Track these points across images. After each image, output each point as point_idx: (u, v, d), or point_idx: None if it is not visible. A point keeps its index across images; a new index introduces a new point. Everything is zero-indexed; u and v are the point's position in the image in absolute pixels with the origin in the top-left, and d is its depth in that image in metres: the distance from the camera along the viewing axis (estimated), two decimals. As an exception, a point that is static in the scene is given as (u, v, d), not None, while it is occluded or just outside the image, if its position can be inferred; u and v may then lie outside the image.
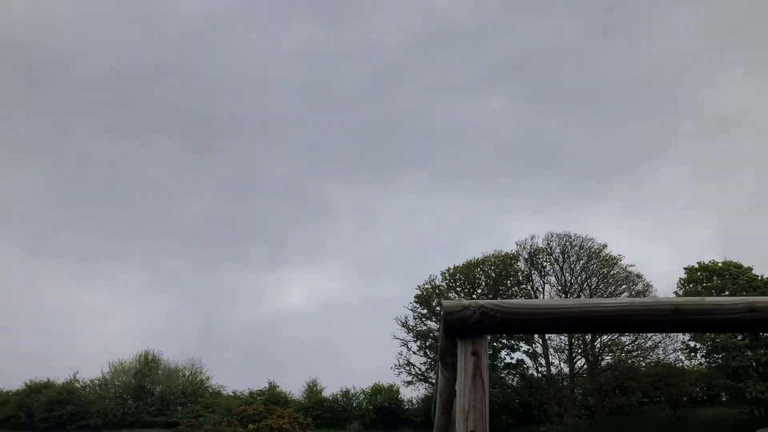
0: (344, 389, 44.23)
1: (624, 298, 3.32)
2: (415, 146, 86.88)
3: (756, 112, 77.79)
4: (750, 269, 39.25)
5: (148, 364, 46.09)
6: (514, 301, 3.43)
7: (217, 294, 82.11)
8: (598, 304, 3.35)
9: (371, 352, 78.83)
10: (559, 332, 3.56)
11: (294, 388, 49.11)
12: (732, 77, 77.70)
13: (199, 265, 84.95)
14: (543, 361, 41.12)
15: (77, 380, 44.49)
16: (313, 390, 45.18)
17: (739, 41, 79.86)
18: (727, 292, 39.18)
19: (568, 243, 42.43)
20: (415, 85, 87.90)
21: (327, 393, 44.80)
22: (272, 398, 42.49)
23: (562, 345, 40.47)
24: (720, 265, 39.69)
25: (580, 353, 40.29)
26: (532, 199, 76.75)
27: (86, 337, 77.10)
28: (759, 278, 39.11)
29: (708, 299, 3.29)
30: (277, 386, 44.96)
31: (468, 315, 3.39)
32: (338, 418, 42.73)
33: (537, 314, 3.37)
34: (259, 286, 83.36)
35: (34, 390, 42.73)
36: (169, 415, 42.15)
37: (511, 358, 43.21)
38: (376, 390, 44.04)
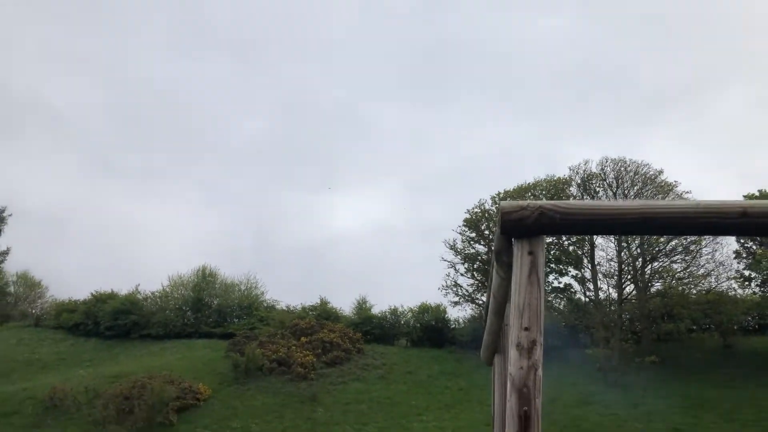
0: (392, 307, 45.22)
1: (690, 201, 3.23)
2: (469, 68, 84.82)
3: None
4: (815, 198, 37.75)
5: (205, 278, 47.83)
6: (573, 202, 3.39)
7: (271, 214, 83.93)
8: (663, 206, 3.29)
9: (420, 273, 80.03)
10: (621, 233, 3.49)
11: (344, 305, 50.43)
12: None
13: (253, 186, 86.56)
14: (591, 287, 41.03)
15: (139, 292, 46.60)
16: (362, 307, 46.26)
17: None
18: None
19: (622, 168, 41.41)
20: (469, 1, 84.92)
21: (375, 311, 45.88)
22: (324, 314, 43.81)
23: (612, 271, 40.21)
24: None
25: (629, 279, 39.99)
26: (588, 125, 74.74)
27: (147, 253, 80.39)
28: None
29: (778, 202, 3.18)
30: (329, 302, 46.23)
31: (526, 215, 3.38)
32: (386, 334, 43.85)
33: (598, 215, 3.33)
34: (311, 207, 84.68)
35: (100, 300, 45.02)
36: (226, 326, 43.98)
37: (559, 283, 43.23)
38: (424, 309, 44.81)
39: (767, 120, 75.73)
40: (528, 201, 3.41)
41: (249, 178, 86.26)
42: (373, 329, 43.21)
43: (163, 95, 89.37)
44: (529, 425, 3.06)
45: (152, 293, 46.88)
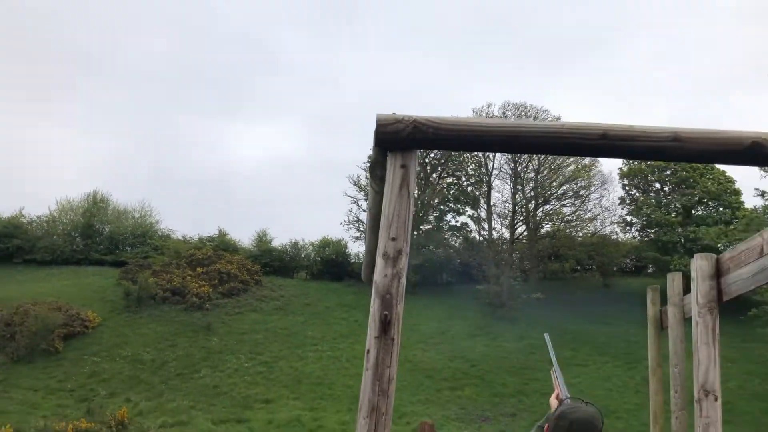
0: (293, 241, 45.24)
1: (555, 121, 3.35)
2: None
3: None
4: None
5: (96, 204, 45.81)
6: (446, 117, 3.43)
7: (170, 141, 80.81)
8: (529, 125, 3.39)
9: (323, 208, 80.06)
10: (489, 150, 3.58)
11: (244, 237, 49.92)
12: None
13: (150, 109, 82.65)
14: (486, 226, 42.61)
15: (23, 215, 44.09)
16: (262, 239, 45.96)
17: None
18: (668, 171, 40.58)
19: (523, 113, 42.57)
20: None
21: (276, 243, 45.75)
22: (222, 245, 43.17)
23: (506, 212, 41.89)
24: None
25: (522, 220, 41.77)
26: (495, 66, 75.76)
27: (33, 176, 75.76)
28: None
29: (636, 126, 3.35)
30: (227, 234, 45.58)
31: (400, 128, 3.39)
32: (286, 267, 43.93)
33: (468, 131, 3.39)
34: (212, 136, 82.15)
35: (-22, 223, 42.32)
36: (118, 254, 42.57)
37: (456, 222, 44.59)
38: (325, 243, 45.09)
39: (667, 71, 79.51)
40: (403, 114, 3.42)
41: (145, 101, 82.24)
42: (272, 262, 43.13)
43: (51, 11, 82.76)
44: (389, 329, 3.16)
45: (38, 217, 44.52)
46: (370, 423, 3.07)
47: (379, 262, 3.29)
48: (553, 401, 3.38)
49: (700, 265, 5.03)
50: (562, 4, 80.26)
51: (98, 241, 44.01)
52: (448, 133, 3.38)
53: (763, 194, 28.19)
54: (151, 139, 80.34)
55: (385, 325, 3.16)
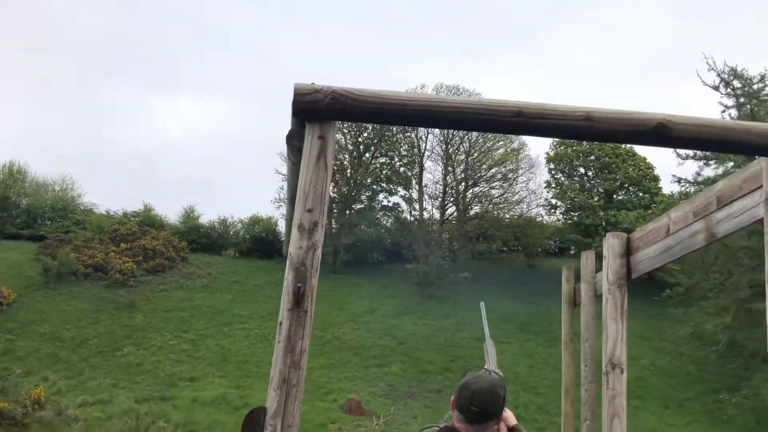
0: (222, 218, 44.47)
1: (471, 97, 3.38)
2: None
3: (653, -12, 79.25)
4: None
5: (12, 175, 43.69)
6: (365, 89, 3.41)
7: (95, 112, 77.63)
8: (447, 100, 3.40)
9: (254, 186, 78.94)
10: (408, 124, 3.59)
11: (171, 213, 48.68)
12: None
13: (74, 77, 79.05)
14: (417, 206, 43.02)
15: (-69, 186, 41.61)
16: (190, 216, 44.98)
17: None
18: (592, 157, 41.92)
19: (455, 95, 42.99)
20: None
21: (204, 220, 44.88)
22: (147, 220, 41.96)
23: (437, 193, 42.40)
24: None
25: (452, 201, 42.38)
26: (431, 47, 76.00)
27: (-59, 143, 71.44)
28: (622, 146, 41.95)
29: (549, 104, 3.41)
30: (153, 209, 44.37)
31: (318, 98, 3.35)
32: (214, 244, 43.19)
33: (386, 104, 3.38)
34: (141, 110, 79.39)
35: None
36: (36, 228, 40.79)
37: (388, 202, 44.85)
38: (255, 221, 44.54)
39: (595, 57, 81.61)
40: (323, 84, 3.38)
41: (69, 68, 78.62)
42: (200, 239, 42.30)
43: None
44: (302, 301, 3.14)
45: (-52, 188, 42.12)
46: (280, 395, 3.05)
47: (294, 234, 3.26)
48: None
49: (611, 243, 5.22)
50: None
51: (14, 214, 42.06)
52: (367, 105, 3.36)
53: (679, 181, 29.51)
54: (76, 111, 77.04)
55: (299, 297, 3.13)
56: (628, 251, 5.20)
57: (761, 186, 3.60)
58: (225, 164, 79.22)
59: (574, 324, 7.31)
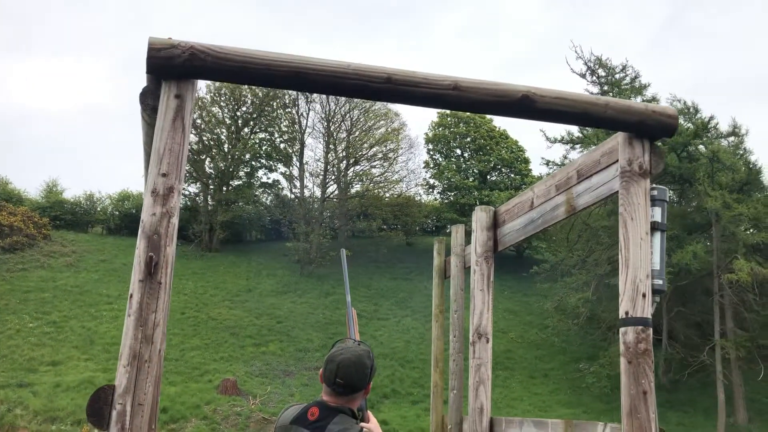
0: (88, 193, 41.91)
1: (342, 60, 3.26)
2: (193, -58, 78.37)
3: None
4: (491, 120, 43.42)
5: None
6: (228, 46, 3.20)
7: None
8: (317, 62, 3.26)
9: (124, 159, 74.88)
10: (273, 86, 3.43)
11: (31, 187, 45.17)
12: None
13: None
14: (298, 184, 42.56)
15: None
16: (52, 190, 42.04)
17: None
18: (468, 139, 43.26)
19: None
20: None
21: (69, 195, 42.10)
22: (3, 194, 38.73)
23: (318, 170, 42.10)
24: (468, 113, 43.21)
25: (333, 179, 42.28)
26: (317, 27, 75.03)
27: None
28: (497, 129, 43.59)
29: (419, 72, 3.36)
30: (10, 183, 41.04)
31: (175, 54, 3.11)
32: (80, 221, 40.66)
33: (251, 63, 3.19)
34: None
35: None
36: None
37: (268, 179, 44.06)
38: (124, 196, 42.34)
39: (468, 48, 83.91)
40: (181, 40, 3.14)
41: None
42: (64, 215, 39.66)
43: None
44: (155, 271, 2.92)
45: None
46: (131, 371, 2.83)
47: (147, 199, 3.02)
48: None
49: (479, 216, 5.32)
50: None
51: None
52: (229, 63, 3.15)
53: (548, 163, 31.03)
54: None
55: (151, 267, 2.91)
56: (495, 224, 5.32)
57: (617, 160, 3.76)
58: (91, 135, 74.61)
59: (445, 297, 7.47)
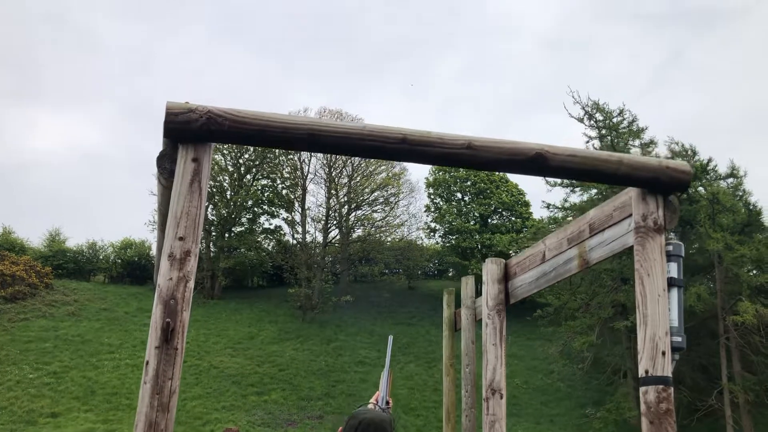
0: (91, 241, 41.96)
1: (356, 123, 3.30)
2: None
3: (528, 21, 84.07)
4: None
5: None
6: (245, 109, 3.24)
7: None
8: (331, 125, 3.30)
9: (127, 207, 75.17)
10: (291, 148, 3.46)
11: (34, 236, 45.20)
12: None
13: None
14: (300, 229, 42.58)
15: None
16: (55, 239, 42.11)
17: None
18: (469, 182, 43.46)
19: (339, 119, 43.25)
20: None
21: (71, 244, 42.15)
22: (6, 244, 38.75)
23: (320, 215, 42.19)
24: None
25: (335, 224, 42.34)
26: (316, 72, 76.19)
27: None
28: (496, 173, 43.83)
29: (434, 132, 3.39)
30: (13, 232, 41.11)
31: (193, 119, 3.14)
32: (82, 269, 40.64)
33: (268, 126, 3.22)
34: (3, 123, 73.50)
35: None
36: None
37: (270, 224, 44.10)
38: (127, 244, 42.38)
39: (472, 86, 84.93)
40: (198, 104, 3.17)
41: None
42: (66, 263, 39.62)
43: None
44: (172, 338, 2.89)
45: None
46: (147, 441, 2.78)
47: (164, 263, 3.01)
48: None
49: (490, 269, 5.30)
50: (379, 19, 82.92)
51: None
52: (246, 127, 3.19)
53: (548, 206, 31.12)
54: None
55: (168, 333, 2.88)
56: (506, 276, 5.30)
57: (630, 215, 3.76)
58: (95, 184, 75.04)
59: (456, 348, 7.39)
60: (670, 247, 3.60)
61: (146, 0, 77.16)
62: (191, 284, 3.02)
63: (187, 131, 3.14)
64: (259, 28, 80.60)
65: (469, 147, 3.38)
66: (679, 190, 3.62)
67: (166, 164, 3.24)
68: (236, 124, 3.16)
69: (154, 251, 42.03)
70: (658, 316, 3.44)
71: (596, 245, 4.17)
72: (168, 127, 3.12)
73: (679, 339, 3.49)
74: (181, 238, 3.04)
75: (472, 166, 3.49)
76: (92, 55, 77.16)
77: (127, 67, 75.65)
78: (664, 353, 3.40)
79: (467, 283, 6.68)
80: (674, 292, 3.55)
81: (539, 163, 3.45)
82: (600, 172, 3.53)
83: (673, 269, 3.57)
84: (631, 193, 3.77)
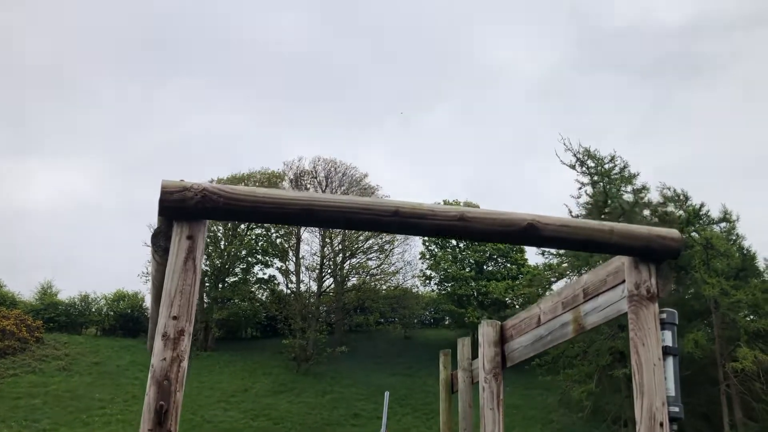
0: (83, 293, 41.60)
1: (350, 196, 3.33)
2: (198, 46, 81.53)
3: (517, 71, 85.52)
4: (486, 211, 43.87)
5: None
6: (239, 187, 3.28)
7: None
8: (326, 199, 3.33)
9: (122, 258, 74.71)
10: (285, 223, 3.49)
11: (26, 288, 44.86)
12: (505, 33, 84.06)
13: None
14: (294, 279, 42.39)
15: None
16: (47, 292, 41.77)
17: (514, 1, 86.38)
18: (464, 229, 43.58)
19: (332, 168, 43.60)
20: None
21: (63, 296, 41.78)
22: (-4, 298, 38.45)
23: (314, 264, 42.04)
24: (461, 204, 43.77)
25: (329, 273, 42.19)
26: (312, 121, 76.96)
27: None
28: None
29: (426, 204, 3.43)
30: (4, 285, 40.79)
31: (188, 197, 3.17)
32: (74, 322, 40.20)
33: (263, 203, 3.25)
34: (-5, 174, 73.49)
35: None
36: None
37: (264, 274, 43.89)
38: (119, 296, 42.04)
39: (460, 140, 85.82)
40: (192, 182, 3.21)
41: None
42: (58, 317, 39.21)
43: None
44: (165, 421, 2.85)
45: None
46: None
47: (158, 343, 2.99)
48: None
49: (486, 331, 5.28)
50: (374, 71, 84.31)
51: None
52: (241, 205, 3.22)
53: (543, 253, 31.14)
54: None
55: (161, 415, 2.85)
56: (502, 339, 5.28)
57: (624, 281, 3.78)
58: (88, 235, 74.78)
59: (453, 411, 7.30)
60: (664, 315, 3.61)
61: (142, 55, 78.35)
62: (185, 363, 3.00)
63: (183, 209, 3.17)
64: (253, 80, 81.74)
65: (462, 219, 3.42)
66: (670, 258, 3.65)
67: (160, 242, 3.26)
68: (231, 201, 3.19)
69: (147, 303, 41.69)
70: (655, 386, 3.43)
71: (591, 310, 4.17)
72: (163, 205, 3.15)
73: (677, 409, 3.47)
74: (175, 317, 3.03)
75: (464, 238, 3.52)
76: (88, 108, 77.90)
77: (122, 120, 76.30)
78: (662, 424, 3.37)
79: (463, 344, 6.64)
80: (670, 360, 3.55)
81: (531, 233, 3.48)
82: (592, 241, 3.57)
83: (668, 338, 3.57)
84: (623, 259, 3.80)
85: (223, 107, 78.34)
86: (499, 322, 5.37)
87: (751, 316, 25.80)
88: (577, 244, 3.62)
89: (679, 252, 3.63)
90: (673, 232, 3.65)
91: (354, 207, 3.31)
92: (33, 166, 75.60)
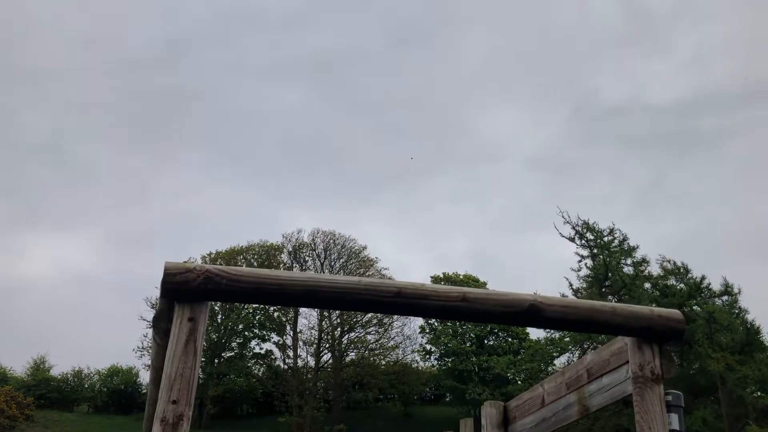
0: (76, 369, 40.88)
1: (352, 277, 3.34)
2: (198, 123, 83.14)
3: (516, 145, 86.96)
4: (485, 283, 43.70)
5: None
6: (242, 268, 3.29)
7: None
8: (328, 280, 3.34)
9: (117, 332, 73.84)
10: (287, 305, 3.50)
11: (18, 364, 44.07)
12: (503, 109, 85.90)
13: None
14: (291, 353, 41.76)
15: None
16: (39, 368, 41.06)
17: (512, 78, 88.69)
18: (464, 303, 43.25)
19: (331, 241, 43.73)
20: (208, 59, 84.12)
21: (56, 371, 41.05)
22: (-13, 374, 37.80)
23: (312, 338, 41.53)
24: (461, 277, 43.64)
25: (327, 348, 41.60)
26: (310, 195, 77.65)
27: None
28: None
29: (428, 285, 3.43)
30: (-4, 361, 40.18)
31: (190, 278, 3.18)
32: (66, 399, 39.34)
33: (265, 284, 3.26)
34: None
35: None
36: None
37: (261, 349, 43.31)
38: (114, 372, 41.34)
39: (460, 211, 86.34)
40: (195, 264, 3.23)
41: None
42: (50, 393, 38.43)
43: None
44: None
45: None
46: None
47: (156, 428, 2.93)
48: None
49: (489, 413, 5.18)
50: (369, 145, 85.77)
51: None
52: (243, 286, 3.22)
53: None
54: None
55: (158, 507, 2.76)
56: (505, 421, 5.17)
57: (627, 361, 3.73)
58: (84, 309, 74.08)
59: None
60: (670, 397, 3.55)
61: (140, 131, 79.78)
62: (184, 450, 2.93)
63: (185, 291, 3.17)
64: (252, 156, 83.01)
65: (464, 299, 3.42)
66: (674, 339, 3.63)
67: (162, 324, 3.25)
68: (233, 282, 3.20)
69: (141, 379, 40.95)
70: (664, 471, 3.34)
71: (595, 391, 4.11)
72: (165, 287, 3.15)
73: (688, 496, 3.37)
74: (174, 402, 2.98)
75: (467, 319, 3.51)
76: (85, 183, 78.75)
77: (121, 194, 77.00)
78: None
79: (466, 426, 6.49)
80: (678, 444, 3.47)
81: (533, 314, 3.47)
82: (594, 322, 3.55)
83: (675, 421, 3.50)
84: (627, 341, 3.77)
85: (222, 178, 79.14)
86: (503, 403, 5.27)
87: (759, 392, 25.31)
88: (579, 325, 3.61)
89: (682, 333, 3.61)
90: (676, 313, 3.64)
91: (356, 288, 3.31)
92: (30, 240, 75.67)
